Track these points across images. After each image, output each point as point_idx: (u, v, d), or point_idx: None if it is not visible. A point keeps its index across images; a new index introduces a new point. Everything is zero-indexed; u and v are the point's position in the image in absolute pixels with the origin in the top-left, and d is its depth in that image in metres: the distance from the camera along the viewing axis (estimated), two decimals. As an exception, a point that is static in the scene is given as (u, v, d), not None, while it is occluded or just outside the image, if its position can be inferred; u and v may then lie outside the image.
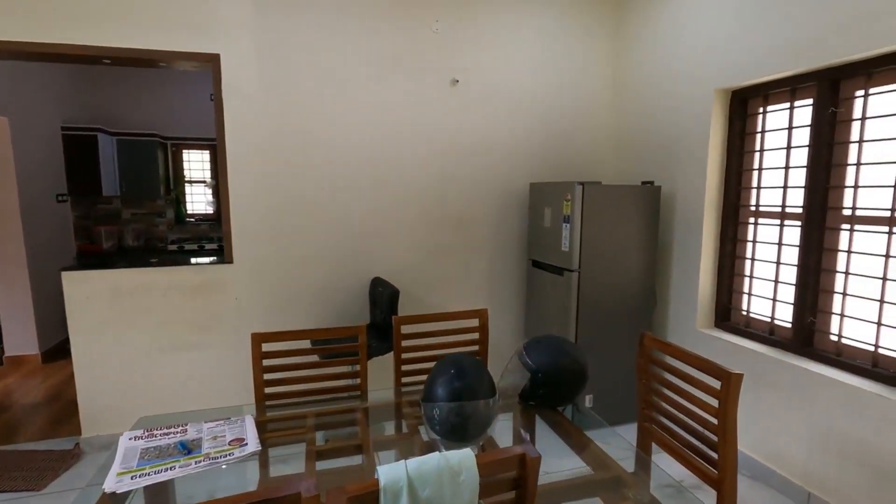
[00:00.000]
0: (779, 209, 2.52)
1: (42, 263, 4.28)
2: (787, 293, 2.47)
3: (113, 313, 2.76)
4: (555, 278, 3.03)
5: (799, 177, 2.41)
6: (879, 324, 2.06)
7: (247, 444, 1.47)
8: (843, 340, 2.23)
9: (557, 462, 1.50)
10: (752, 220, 2.69)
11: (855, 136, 2.16)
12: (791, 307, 2.44)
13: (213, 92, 2.79)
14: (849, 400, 2.07)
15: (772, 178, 2.58)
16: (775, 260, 2.53)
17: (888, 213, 2.02)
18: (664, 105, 3.08)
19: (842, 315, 2.23)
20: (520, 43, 3.31)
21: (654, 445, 1.74)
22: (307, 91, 2.94)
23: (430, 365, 2.07)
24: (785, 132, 2.47)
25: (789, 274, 2.46)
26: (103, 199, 5.35)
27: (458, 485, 0.99)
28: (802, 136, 2.39)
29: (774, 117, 2.56)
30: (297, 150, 2.96)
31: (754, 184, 2.67)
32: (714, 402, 1.43)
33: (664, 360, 1.70)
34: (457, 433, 1.46)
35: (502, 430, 1.67)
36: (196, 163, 5.88)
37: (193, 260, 2.99)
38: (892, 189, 2.01)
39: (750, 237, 2.70)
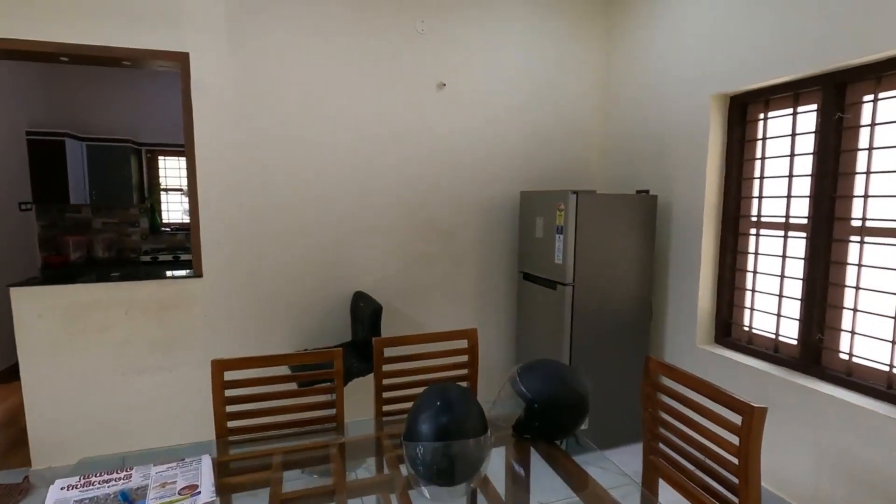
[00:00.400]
0: (782, 220, 2.39)
1: (0, 277, 4.00)
2: (793, 308, 2.34)
3: (67, 333, 2.53)
4: (547, 292, 2.87)
5: (803, 186, 2.29)
6: (895, 342, 1.93)
7: (199, 492, 1.27)
8: (854, 359, 2.09)
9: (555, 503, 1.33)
10: (753, 230, 2.57)
11: (863, 143, 2.05)
12: (797, 323, 2.31)
13: (182, 93, 2.59)
14: (860, 423, 1.94)
15: (774, 187, 2.45)
16: (779, 273, 2.40)
17: (902, 225, 1.90)
18: (659, 111, 2.96)
19: (852, 332, 2.09)
20: (508, 45, 3.17)
21: (661, 481, 1.57)
22: (283, 93, 2.76)
23: (415, 392, 1.88)
24: (788, 139, 2.36)
25: (795, 288, 2.33)
26: (71, 208, 5.08)
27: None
28: (807, 144, 2.27)
29: (776, 123, 2.44)
30: (273, 155, 2.77)
31: (755, 193, 2.55)
32: (732, 438, 1.27)
33: (672, 386, 1.54)
34: (444, 476, 1.28)
35: (495, 466, 1.49)
36: (173, 170, 5.64)
37: (162, 273, 2.77)
38: (906, 199, 1.89)
39: (751, 249, 2.58)
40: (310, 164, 2.85)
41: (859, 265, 2.06)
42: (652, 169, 3.03)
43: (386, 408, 1.84)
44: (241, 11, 2.64)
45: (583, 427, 2.59)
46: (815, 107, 2.22)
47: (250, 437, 1.61)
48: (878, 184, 2.00)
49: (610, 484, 1.37)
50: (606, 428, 2.84)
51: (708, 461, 1.37)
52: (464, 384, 1.96)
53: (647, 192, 3.04)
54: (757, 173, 2.54)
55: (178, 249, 5.42)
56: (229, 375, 1.59)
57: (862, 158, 2.05)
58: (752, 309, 2.57)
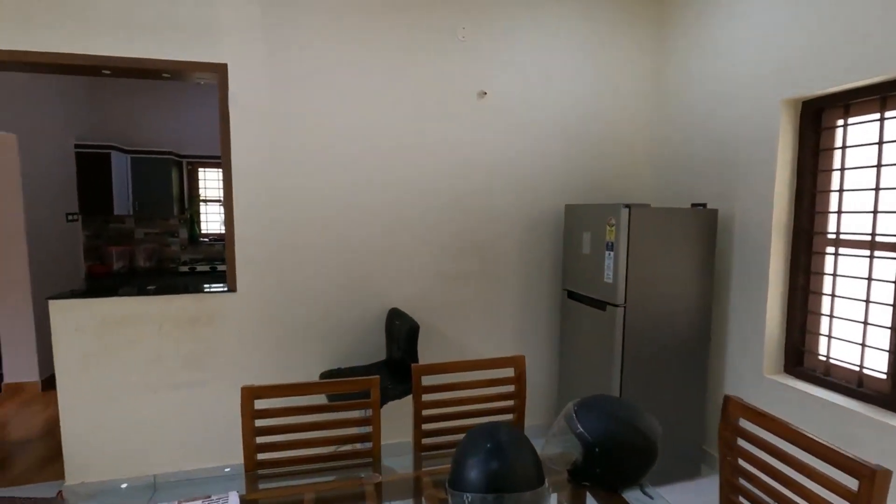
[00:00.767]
0: (867, 238, 2.13)
1: (47, 286, 4.10)
2: (881, 337, 2.07)
3: (101, 347, 2.50)
4: (595, 313, 2.67)
5: (893, 200, 2.03)
6: None
7: (225, 538, 1.15)
8: (962, 400, 1.81)
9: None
10: (830, 249, 2.31)
11: (971, 151, 1.79)
12: (886, 354, 2.03)
13: (219, 104, 2.56)
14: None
15: (857, 201, 2.20)
16: (864, 297, 2.13)
17: None
18: (718, 118, 2.73)
19: (959, 369, 1.82)
20: (552, 51, 3.02)
21: (742, 542, 1.36)
22: (319, 104, 2.69)
23: (456, 425, 1.73)
24: (873, 148, 2.11)
25: (883, 315, 2.06)
26: (115, 219, 5.21)
27: None
28: (898, 153, 2.02)
29: (859, 131, 2.19)
30: (308, 168, 2.70)
31: (833, 208, 2.29)
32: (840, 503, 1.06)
33: (757, 432, 1.33)
34: (495, 532, 1.12)
35: (548, 518, 1.32)
36: (212, 181, 5.72)
37: (198, 286, 2.72)
38: None
39: (828, 269, 2.31)
40: (344, 177, 2.76)
41: (968, 292, 1.79)
42: (710, 181, 2.80)
43: (426, 440, 1.69)
44: (278, 22, 2.59)
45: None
46: (908, 111, 1.97)
47: (281, 471, 1.49)
48: None
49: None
50: (661, 463, 2.60)
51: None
52: (509, 416, 1.79)
53: (703, 205, 2.82)
54: (835, 186, 2.28)
55: (216, 260, 5.47)
56: (260, 404, 1.48)
57: (970, 169, 1.79)
58: (829, 336, 2.30)
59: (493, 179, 3.00)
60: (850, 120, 2.21)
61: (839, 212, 2.26)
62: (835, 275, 2.28)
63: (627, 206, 2.46)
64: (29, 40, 2.30)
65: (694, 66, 2.91)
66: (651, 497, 1.41)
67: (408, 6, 2.76)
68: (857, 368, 2.16)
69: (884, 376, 2.05)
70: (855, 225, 2.20)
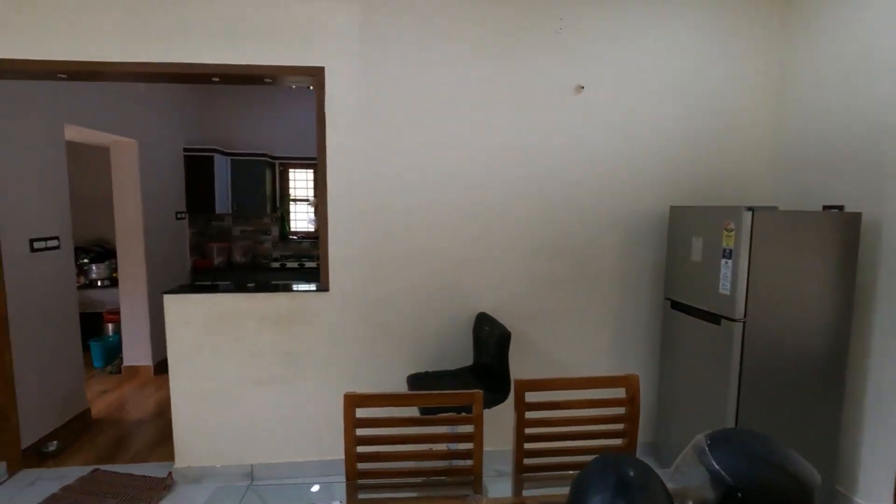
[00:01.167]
0: None
1: (160, 278, 4.47)
2: None
3: (208, 339, 2.64)
4: (707, 328, 2.41)
5: None
6: None
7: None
8: None
9: None
10: None
11: None
12: None
13: (316, 108, 2.60)
14: None
15: None
16: None
17: None
18: (858, 108, 2.35)
19: None
20: (658, 40, 2.77)
21: None
22: (412, 105, 2.65)
23: (558, 446, 1.60)
24: None
25: None
26: (216, 217, 5.59)
27: None
28: None
29: None
30: (401, 170, 2.68)
31: None
32: None
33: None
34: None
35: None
36: (300, 181, 5.98)
37: (292, 285, 2.81)
38: None
39: None
40: (436, 178, 2.71)
41: None
42: (845, 180, 2.43)
43: (527, 461, 1.58)
44: (374, 24, 2.59)
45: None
46: None
47: (381, 482, 1.45)
48: None
49: None
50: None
51: None
52: (619, 441, 1.64)
53: (839, 208, 2.44)
54: None
55: (304, 257, 5.71)
56: (359, 413, 1.45)
57: None
58: None
59: (588, 179, 2.81)
60: None
61: None
62: None
63: (750, 208, 2.18)
64: (148, 52, 2.47)
65: (828, 49, 2.53)
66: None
67: (504, 1, 2.65)
68: None
69: None
70: None
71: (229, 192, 5.41)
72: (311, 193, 5.99)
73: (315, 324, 2.71)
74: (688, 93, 2.82)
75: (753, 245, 2.19)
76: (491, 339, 2.48)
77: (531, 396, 1.59)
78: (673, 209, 2.71)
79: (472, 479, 1.46)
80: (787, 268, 2.23)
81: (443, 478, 1.48)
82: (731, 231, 2.23)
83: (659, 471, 1.19)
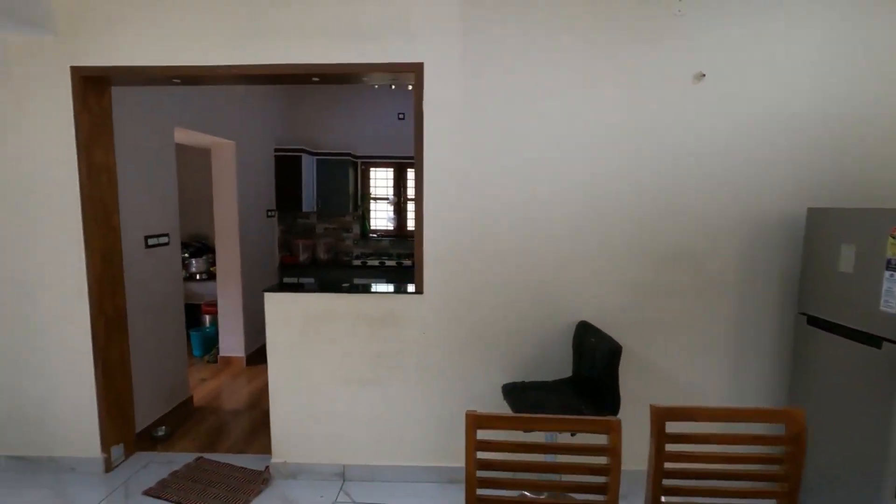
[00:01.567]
0: None
1: (252, 274, 4.67)
2: None
3: (304, 338, 2.67)
4: (862, 350, 2.06)
5: None
6: None
7: None
8: None
9: None
10: None
11: None
12: None
13: (415, 104, 2.53)
14: None
15: None
16: None
17: None
18: None
19: None
20: (793, 19, 2.42)
21: None
22: (512, 100, 2.51)
23: (698, 485, 1.39)
24: None
25: None
26: (302, 215, 5.77)
27: None
28: None
29: None
30: (498, 167, 2.55)
31: None
32: None
33: None
34: None
35: None
36: (380, 180, 6.04)
37: (381, 287, 2.78)
38: None
39: None
40: (536, 177, 2.55)
41: None
42: None
43: (665, 499, 1.39)
44: (476, 16, 2.46)
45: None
46: None
47: (500, 511, 1.32)
48: None
49: None
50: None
51: None
52: (773, 485, 1.40)
53: None
54: None
55: (384, 255, 5.76)
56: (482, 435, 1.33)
57: None
58: None
59: (708, 177, 2.52)
60: None
61: None
62: None
63: (927, 212, 1.83)
64: (254, 55, 2.51)
65: None
66: None
67: (614, -19, 2.44)
68: None
69: None
70: None
71: (315, 190, 5.56)
72: (391, 192, 6.03)
73: (408, 326, 2.65)
74: (827, 77, 2.44)
75: (930, 256, 1.83)
76: (598, 351, 2.29)
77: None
78: (812, 212, 2.37)
79: (605, 516, 1.29)
80: (973, 284, 1.84)
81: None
82: (900, 238, 1.88)
83: None
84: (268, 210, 5.13)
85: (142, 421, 3.10)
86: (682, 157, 2.52)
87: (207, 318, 5.05)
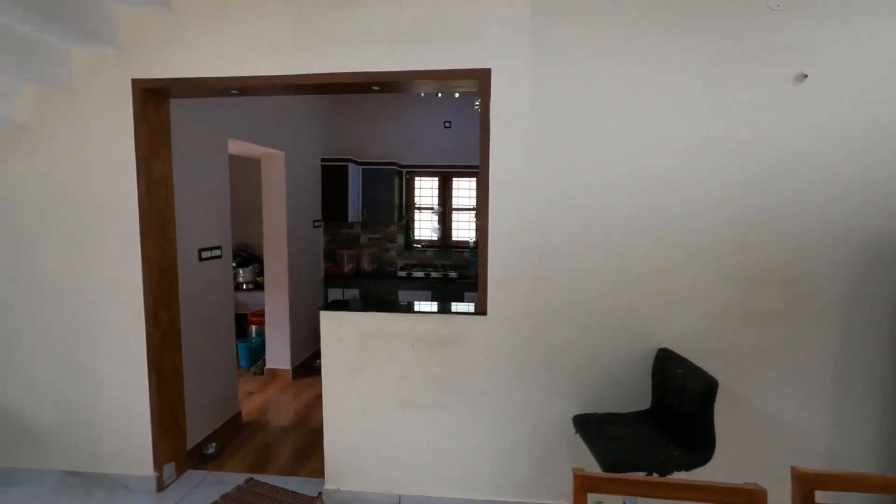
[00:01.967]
0: None
1: (299, 284, 4.61)
2: None
3: (360, 358, 2.54)
4: None
5: None
6: None
7: None
8: None
9: None
10: None
11: None
12: None
13: (480, 111, 2.38)
14: None
15: None
16: None
17: None
18: None
19: None
20: (913, 10, 2.14)
21: None
22: (585, 107, 2.32)
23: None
24: None
25: None
26: (346, 225, 5.71)
27: None
28: None
29: None
30: (567, 182, 2.36)
31: None
32: None
33: None
34: None
35: None
36: (425, 189, 5.92)
37: (441, 307, 2.62)
38: None
39: None
40: (610, 191, 2.35)
41: None
42: None
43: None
44: (545, 19, 2.29)
45: None
46: None
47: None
48: None
49: None
50: None
51: None
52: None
53: None
54: None
55: (428, 266, 5.62)
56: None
57: None
58: None
59: (806, 191, 2.26)
60: None
61: None
62: None
63: None
64: (307, 65, 2.42)
65: None
66: None
67: (702, -24, 2.22)
68: None
69: None
70: None
71: (360, 200, 5.49)
72: (435, 202, 5.91)
73: (470, 349, 2.48)
74: (957, 76, 2.15)
75: None
76: (687, 385, 2.06)
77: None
78: (939, 230, 2.07)
79: None
80: None
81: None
82: None
83: None
84: (314, 220, 5.09)
85: (192, 437, 3.04)
86: (778, 169, 2.26)
87: (253, 328, 5.03)
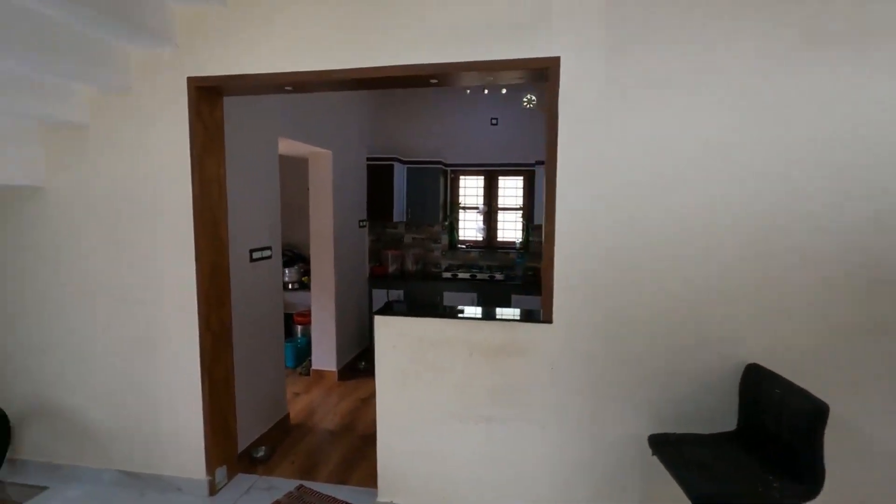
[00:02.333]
0: None
1: (344, 285, 4.55)
2: None
3: (415, 367, 2.41)
4: None
5: None
6: None
7: None
8: None
9: None
10: None
11: None
12: None
13: (547, 102, 2.20)
14: None
15: None
16: None
17: None
18: None
19: None
20: None
21: None
22: (664, 101, 2.10)
23: None
24: None
25: None
26: (391, 224, 5.63)
27: None
28: None
29: None
30: (647, 179, 2.15)
31: None
32: None
33: None
34: None
35: None
36: (470, 189, 5.77)
37: (502, 314, 2.47)
38: None
39: None
40: (688, 190, 2.12)
41: None
42: None
43: None
44: (622, 2, 2.09)
45: None
46: None
47: None
48: None
49: None
50: None
51: None
52: None
53: None
54: None
55: (473, 267, 5.47)
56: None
57: None
58: None
59: (926, 187, 1.97)
60: None
61: None
62: None
63: None
64: (363, 58, 2.31)
65: None
66: None
67: (803, -53, 1.97)
68: None
69: None
70: None
71: (404, 199, 5.39)
72: (480, 201, 5.75)
73: (532, 359, 2.31)
74: None
75: None
76: (787, 408, 1.82)
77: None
78: None
79: None
80: None
81: None
82: None
83: None
84: (360, 220, 5.02)
85: (243, 439, 3.00)
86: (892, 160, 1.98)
87: (299, 328, 5.02)
